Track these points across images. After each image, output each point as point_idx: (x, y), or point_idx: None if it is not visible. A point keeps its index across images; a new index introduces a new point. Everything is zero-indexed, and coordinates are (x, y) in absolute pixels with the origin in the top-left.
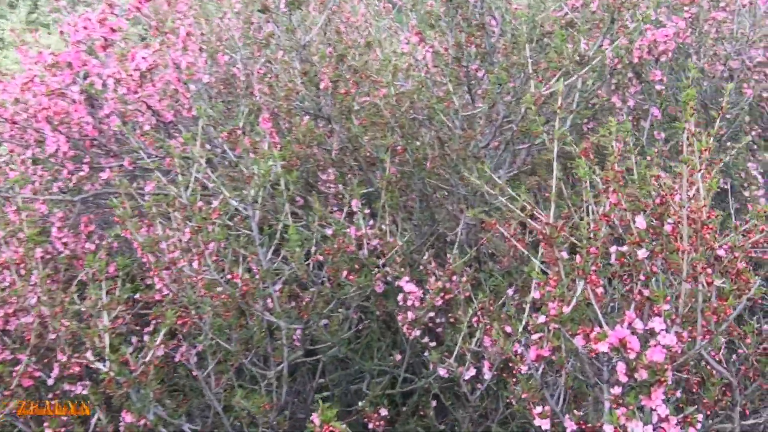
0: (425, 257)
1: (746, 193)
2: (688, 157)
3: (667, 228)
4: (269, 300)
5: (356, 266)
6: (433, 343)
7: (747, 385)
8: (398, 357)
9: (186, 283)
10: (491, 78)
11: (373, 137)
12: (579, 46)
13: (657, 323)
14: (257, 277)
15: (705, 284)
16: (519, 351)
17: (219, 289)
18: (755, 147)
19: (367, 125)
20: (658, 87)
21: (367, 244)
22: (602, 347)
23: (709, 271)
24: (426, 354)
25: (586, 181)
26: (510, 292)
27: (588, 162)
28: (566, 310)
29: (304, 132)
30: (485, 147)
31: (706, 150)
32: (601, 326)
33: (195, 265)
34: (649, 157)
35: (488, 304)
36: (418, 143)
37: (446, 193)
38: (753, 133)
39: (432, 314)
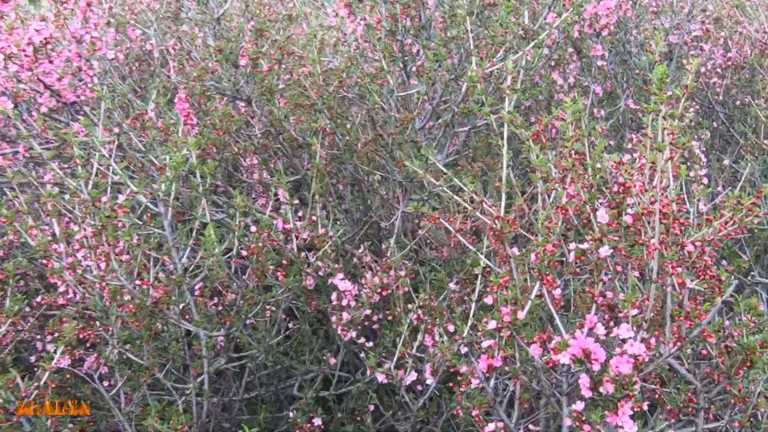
0: (360, 250)
1: (691, 173)
2: (663, 144)
3: (627, 219)
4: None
5: (284, 263)
6: (370, 343)
7: (711, 388)
8: (333, 360)
9: (91, 288)
10: (428, 54)
11: (299, 120)
12: (523, 20)
13: (624, 330)
14: (173, 279)
15: (676, 286)
16: (464, 352)
17: (127, 297)
18: (694, 124)
19: (291, 107)
20: (599, 63)
21: (296, 237)
22: (563, 358)
23: (679, 270)
24: (363, 354)
25: (540, 169)
26: (452, 285)
27: (541, 147)
28: (521, 315)
29: (221, 116)
30: (422, 128)
31: (671, 133)
32: (559, 333)
33: (102, 267)
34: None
35: (429, 300)
36: (348, 125)
37: (381, 179)
38: (691, 110)
39: (368, 312)
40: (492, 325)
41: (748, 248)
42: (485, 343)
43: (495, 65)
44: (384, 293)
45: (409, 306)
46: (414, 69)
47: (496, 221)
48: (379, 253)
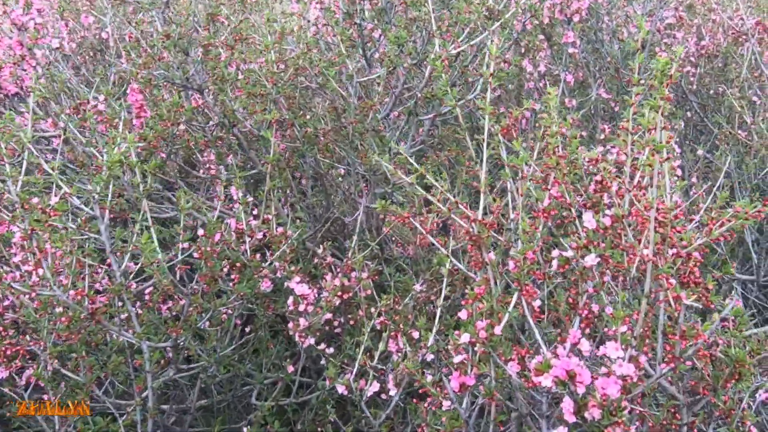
0: (321, 249)
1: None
2: (661, 144)
3: (605, 221)
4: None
5: (237, 266)
6: (331, 349)
7: (695, 401)
8: (290, 368)
9: (24, 298)
10: (389, 37)
11: (253, 111)
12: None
13: (612, 349)
14: (113, 288)
15: (671, 301)
16: (431, 360)
17: (60, 309)
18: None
19: (244, 97)
20: (570, 50)
21: (250, 238)
22: (545, 381)
23: (672, 282)
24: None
25: (516, 167)
26: (418, 287)
27: (512, 141)
28: (497, 330)
29: (169, 107)
30: (385, 117)
31: (663, 129)
32: (537, 346)
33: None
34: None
35: (393, 303)
36: (309, 116)
37: (343, 172)
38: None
39: (329, 315)
40: (465, 338)
41: (723, 243)
42: (457, 358)
43: (460, 47)
44: (345, 296)
45: (372, 310)
46: (377, 55)
47: (473, 225)
48: (344, 250)
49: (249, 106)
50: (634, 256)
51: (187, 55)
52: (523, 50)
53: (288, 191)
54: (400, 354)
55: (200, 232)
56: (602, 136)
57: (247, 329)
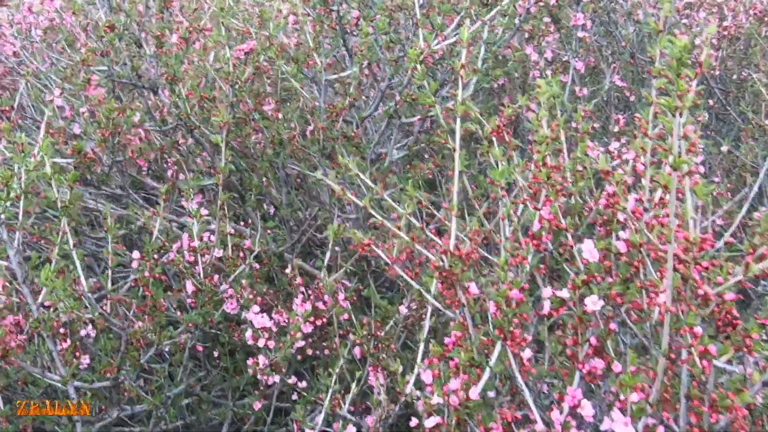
0: (289, 270)
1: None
2: (681, 159)
3: (619, 245)
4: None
5: (193, 288)
6: (304, 383)
7: None
8: (257, 405)
9: None
10: (363, 27)
11: (205, 116)
12: None
13: (620, 423)
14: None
15: (697, 361)
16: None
17: None
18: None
19: (196, 101)
20: (580, 34)
21: (202, 257)
22: None
23: (698, 331)
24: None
25: (499, 184)
26: (403, 309)
27: (503, 148)
28: (473, 393)
29: (108, 113)
30: (367, 117)
31: (686, 137)
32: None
33: None
34: (578, 131)
35: (374, 329)
36: (280, 117)
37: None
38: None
39: (301, 343)
40: (436, 399)
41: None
42: (429, 422)
43: (445, 40)
44: (318, 322)
45: (352, 336)
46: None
47: (444, 257)
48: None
49: (203, 109)
50: (655, 296)
51: (139, 47)
52: (527, 35)
53: (258, 201)
54: (381, 388)
55: (135, 254)
56: (616, 128)
57: (202, 368)
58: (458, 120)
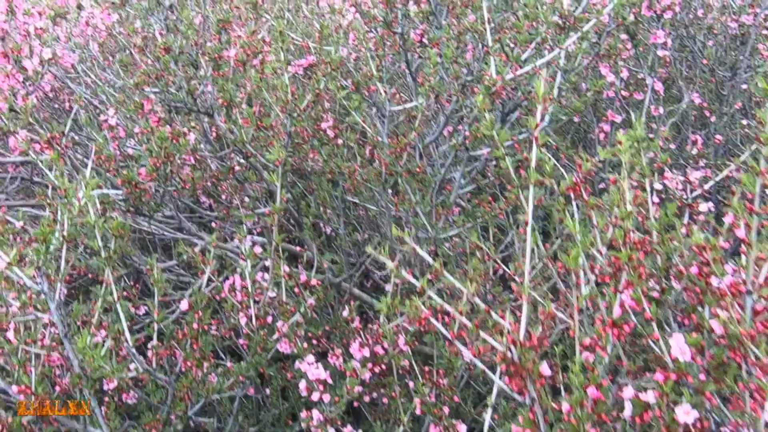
0: (346, 311)
1: None
2: None
3: (714, 326)
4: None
5: (244, 333)
6: None
7: None
8: None
9: None
10: (431, 55)
11: (260, 147)
12: (560, 3)
13: None
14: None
15: None
16: None
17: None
18: None
19: (252, 130)
20: (660, 52)
21: (256, 302)
22: None
23: None
24: None
25: (572, 267)
26: (468, 354)
27: (578, 211)
28: None
29: (160, 140)
30: (434, 142)
31: None
32: None
33: None
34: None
35: (436, 379)
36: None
37: (377, 212)
38: None
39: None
40: None
41: None
42: None
43: (519, 70)
44: (376, 369)
45: (411, 383)
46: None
47: (513, 348)
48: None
49: (259, 138)
50: (763, 400)
51: (196, 69)
52: (601, 53)
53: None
54: None
55: (183, 305)
56: (694, 150)
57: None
58: (531, 188)
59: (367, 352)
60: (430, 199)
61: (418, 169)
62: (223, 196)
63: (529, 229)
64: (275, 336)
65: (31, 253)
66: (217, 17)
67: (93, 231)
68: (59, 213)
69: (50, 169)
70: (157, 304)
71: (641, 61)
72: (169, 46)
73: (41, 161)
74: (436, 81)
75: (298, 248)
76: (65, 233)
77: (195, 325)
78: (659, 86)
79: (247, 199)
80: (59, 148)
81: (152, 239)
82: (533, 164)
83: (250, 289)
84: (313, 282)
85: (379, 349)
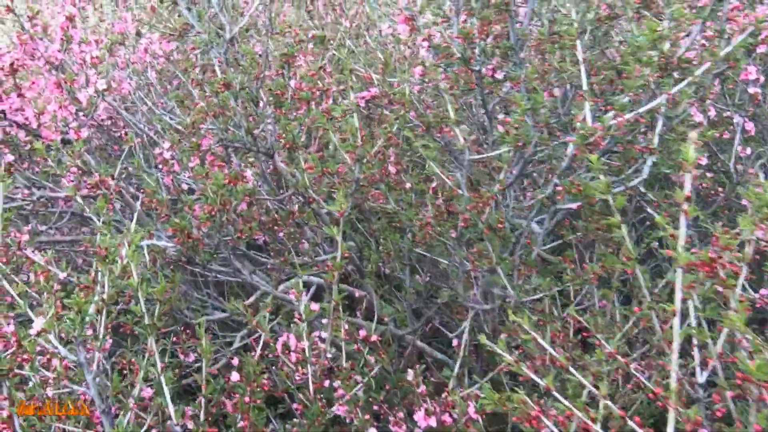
0: (410, 374)
1: None
2: None
3: None
4: None
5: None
6: None
7: None
8: None
9: None
10: (517, 100)
11: (326, 193)
12: (663, 45)
13: None
14: None
15: None
16: None
17: None
18: None
19: (315, 174)
20: (752, 90)
21: (313, 365)
22: None
23: None
24: None
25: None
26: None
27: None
28: None
29: (217, 186)
30: (511, 185)
31: None
32: None
33: None
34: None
35: None
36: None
37: (449, 266)
38: None
39: None
40: None
41: None
42: None
43: (624, 118)
44: None
45: None
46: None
47: None
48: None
49: (323, 185)
50: None
51: (256, 105)
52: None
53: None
54: None
55: (234, 376)
56: None
57: None
58: (679, 273)
59: (433, 422)
60: (509, 254)
61: (500, 225)
62: (281, 234)
63: (676, 323)
64: (333, 408)
65: (68, 321)
66: (279, 52)
67: (137, 294)
68: (99, 275)
69: (98, 216)
70: (205, 375)
71: (726, 98)
72: (228, 82)
73: (87, 208)
74: (523, 129)
75: (356, 292)
76: (105, 296)
77: (246, 399)
78: (750, 126)
79: (306, 245)
80: (108, 193)
81: (204, 278)
82: (682, 242)
83: (307, 353)
84: (374, 338)
85: (447, 418)
